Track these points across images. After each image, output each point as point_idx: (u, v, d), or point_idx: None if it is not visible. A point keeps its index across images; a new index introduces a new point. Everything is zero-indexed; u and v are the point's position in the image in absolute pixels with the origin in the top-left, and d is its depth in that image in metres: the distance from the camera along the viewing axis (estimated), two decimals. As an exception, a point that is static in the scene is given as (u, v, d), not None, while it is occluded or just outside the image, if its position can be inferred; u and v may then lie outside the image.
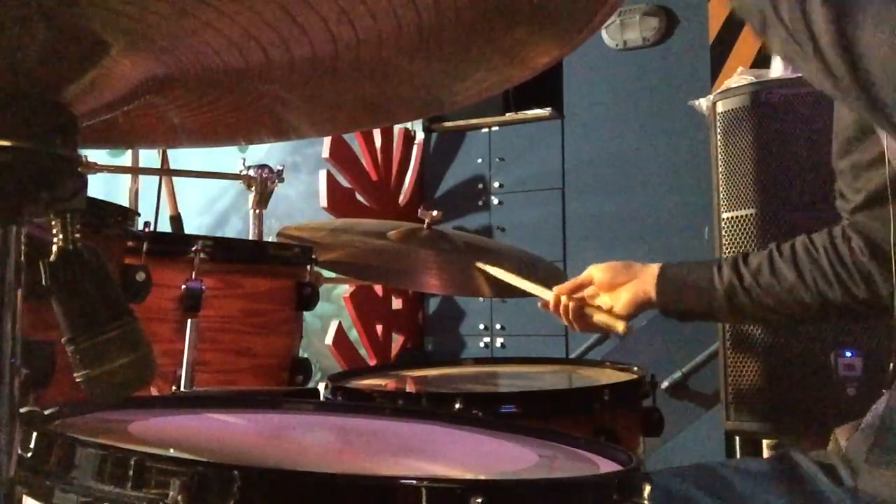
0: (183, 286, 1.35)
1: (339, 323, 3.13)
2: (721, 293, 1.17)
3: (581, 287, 1.33)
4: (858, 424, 0.96)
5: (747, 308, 1.16)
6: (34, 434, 0.64)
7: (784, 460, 0.98)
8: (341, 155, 3.16)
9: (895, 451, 0.87)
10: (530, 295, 1.48)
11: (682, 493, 0.92)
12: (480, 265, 1.62)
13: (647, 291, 1.25)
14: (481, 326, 3.28)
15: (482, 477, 0.77)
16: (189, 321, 1.32)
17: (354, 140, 3.28)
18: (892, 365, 1.69)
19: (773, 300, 1.15)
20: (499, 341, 3.24)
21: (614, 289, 1.29)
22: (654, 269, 1.25)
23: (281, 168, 2.08)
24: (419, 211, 1.72)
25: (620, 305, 1.27)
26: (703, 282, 1.19)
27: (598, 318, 1.29)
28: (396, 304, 3.38)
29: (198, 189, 3.92)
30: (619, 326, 1.27)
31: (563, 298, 1.33)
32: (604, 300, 1.31)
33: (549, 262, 2.13)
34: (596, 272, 1.32)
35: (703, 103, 2.18)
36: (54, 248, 0.52)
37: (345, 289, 3.19)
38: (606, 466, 0.79)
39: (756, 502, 0.93)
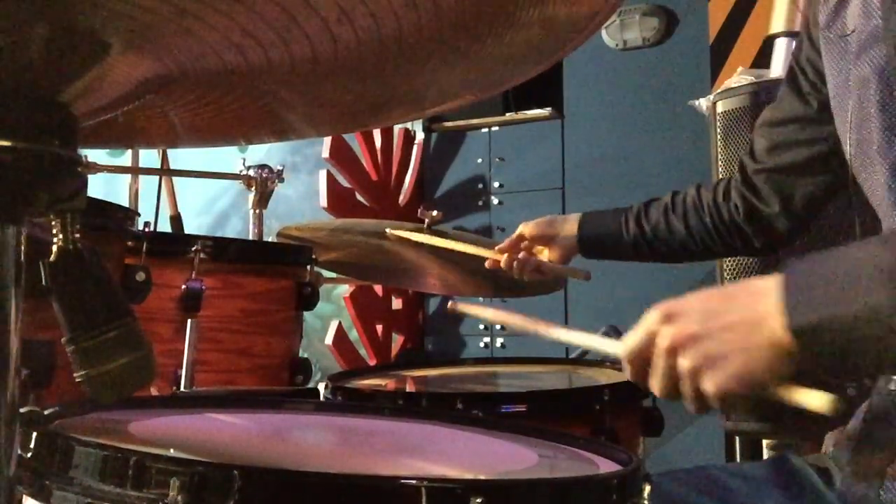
0: (183, 286, 1.35)
1: (339, 323, 3.13)
2: (629, 244, 1.37)
3: (519, 243, 1.44)
4: (845, 430, 0.96)
5: (647, 254, 1.38)
6: (34, 434, 0.64)
7: (781, 464, 0.98)
8: (341, 155, 3.16)
9: (875, 458, 0.87)
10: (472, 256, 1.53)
11: (681, 497, 0.92)
12: (391, 231, 1.64)
13: (573, 244, 1.42)
14: (481, 326, 3.27)
15: (482, 477, 0.77)
16: (189, 321, 1.32)
17: (354, 140, 3.28)
18: None
19: (667, 249, 1.36)
20: (499, 341, 3.24)
21: (547, 243, 1.43)
22: (574, 224, 1.42)
23: (281, 168, 2.08)
24: (419, 211, 1.71)
25: (556, 257, 1.43)
26: (615, 234, 1.39)
27: (557, 271, 1.43)
28: (396, 304, 3.38)
29: (198, 189, 3.91)
30: (580, 274, 1.44)
31: (520, 255, 1.42)
32: (543, 254, 1.45)
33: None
34: (527, 229, 1.44)
35: (703, 103, 2.17)
36: (54, 248, 0.52)
37: (345, 289, 3.19)
38: (606, 466, 0.79)
39: None
